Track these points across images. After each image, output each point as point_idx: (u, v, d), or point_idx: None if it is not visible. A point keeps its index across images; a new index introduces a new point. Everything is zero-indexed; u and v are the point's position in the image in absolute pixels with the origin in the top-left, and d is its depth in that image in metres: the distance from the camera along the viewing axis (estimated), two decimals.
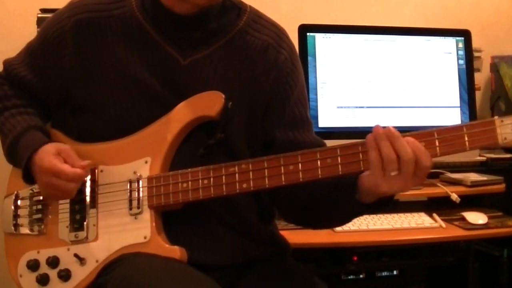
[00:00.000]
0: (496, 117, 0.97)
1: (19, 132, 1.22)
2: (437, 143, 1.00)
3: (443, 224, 1.77)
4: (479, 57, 2.34)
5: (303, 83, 1.28)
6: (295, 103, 1.24)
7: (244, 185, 1.09)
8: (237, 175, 1.09)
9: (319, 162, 1.05)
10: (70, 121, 1.29)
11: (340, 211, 1.16)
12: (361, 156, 1.03)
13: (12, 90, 1.30)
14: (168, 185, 1.13)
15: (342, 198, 1.11)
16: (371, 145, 1.00)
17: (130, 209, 1.15)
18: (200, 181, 1.11)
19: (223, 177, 1.10)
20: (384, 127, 1.01)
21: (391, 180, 0.99)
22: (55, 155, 1.16)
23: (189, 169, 1.12)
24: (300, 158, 1.06)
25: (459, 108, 2.03)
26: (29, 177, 1.20)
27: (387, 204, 1.09)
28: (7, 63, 1.32)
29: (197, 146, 1.17)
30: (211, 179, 1.11)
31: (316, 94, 1.92)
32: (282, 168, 1.07)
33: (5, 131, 1.25)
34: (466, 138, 0.99)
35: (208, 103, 1.16)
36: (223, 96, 1.15)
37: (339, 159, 1.04)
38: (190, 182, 1.12)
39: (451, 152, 1.00)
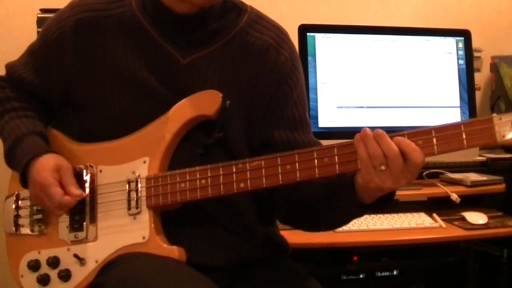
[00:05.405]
0: (494, 115, 0.96)
1: (18, 136, 1.22)
2: (434, 141, 0.99)
3: (443, 224, 1.76)
4: (479, 57, 2.33)
5: (303, 85, 1.28)
6: (294, 104, 1.23)
7: (242, 185, 1.09)
8: (234, 174, 1.09)
9: (316, 161, 1.05)
10: (70, 120, 1.29)
11: (340, 212, 1.15)
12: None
13: (13, 93, 1.30)
14: (166, 185, 1.13)
15: (341, 199, 1.11)
16: (359, 143, 1.01)
17: (129, 209, 1.15)
18: (198, 181, 1.11)
19: (221, 176, 1.10)
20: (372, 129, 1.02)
21: (381, 175, 1.00)
22: (53, 171, 1.16)
23: (187, 169, 1.12)
24: (297, 157, 1.06)
25: (459, 108, 2.02)
26: (25, 182, 1.21)
27: (386, 205, 1.09)
28: (9, 65, 1.32)
29: (196, 146, 1.17)
30: (209, 179, 1.10)
31: (316, 94, 1.92)
32: (279, 167, 1.06)
33: (5, 135, 1.25)
34: (464, 136, 0.97)
35: (206, 102, 1.16)
36: (221, 95, 1.15)
37: (336, 158, 1.04)
38: (188, 182, 1.12)
39: (449, 150, 0.99)
